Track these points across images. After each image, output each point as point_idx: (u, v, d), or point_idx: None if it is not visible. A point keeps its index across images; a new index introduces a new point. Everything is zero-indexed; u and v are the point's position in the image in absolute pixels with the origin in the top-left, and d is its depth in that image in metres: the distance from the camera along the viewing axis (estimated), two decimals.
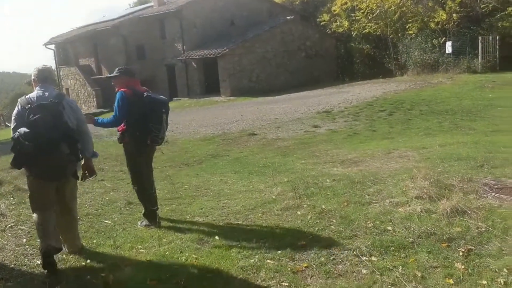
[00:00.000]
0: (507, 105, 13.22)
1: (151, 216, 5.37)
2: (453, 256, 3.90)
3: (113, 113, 5.24)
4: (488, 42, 22.35)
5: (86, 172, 4.55)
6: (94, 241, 4.97)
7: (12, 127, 4.11)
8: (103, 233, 5.24)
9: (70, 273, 4.20)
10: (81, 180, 4.56)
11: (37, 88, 4.27)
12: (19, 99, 4.18)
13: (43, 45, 34.99)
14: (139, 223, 5.46)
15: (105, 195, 7.07)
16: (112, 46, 29.87)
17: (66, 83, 33.47)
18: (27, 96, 4.17)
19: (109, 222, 5.64)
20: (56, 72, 36.10)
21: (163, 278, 3.89)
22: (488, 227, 4.35)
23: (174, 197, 6.74)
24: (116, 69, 5.44)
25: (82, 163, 4.49)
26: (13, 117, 4.12)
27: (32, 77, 4.38)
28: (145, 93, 5.23)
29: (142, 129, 5.10)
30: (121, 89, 5.24)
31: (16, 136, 3.93)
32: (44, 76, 4.34)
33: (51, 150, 4.00)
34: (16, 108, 4.12)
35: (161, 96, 5.40)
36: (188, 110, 22.11)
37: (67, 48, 34.36)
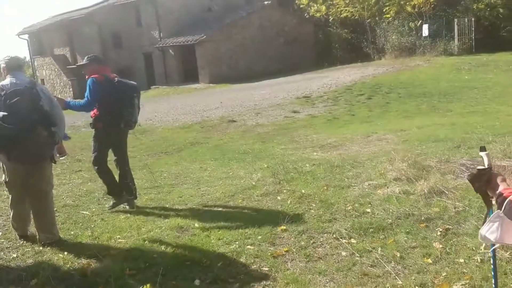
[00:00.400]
0: (483, 87, 13.41)
1: (114, 193, 5.49)
2: (431, 236, 3.94)
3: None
4: (464, 25, 22.56)
5: (57, 153, 4.65)
6: (72, 232, 4.88)
7: None
8: (80, 224, 5.16)
9: (47, 265, 4.13)
10: (53, 162, 4.59)
11: (8, 76, 4.32)
12: None
13: (16, 35, 34.20)
14: (107, 206, 5.58)
15: (83, 185, 6.97)
16: (87, 34, 29.35)
17: (41, 74, 32.80)
18: (3, 83, 4.22)
19: (87, 213, 5.55)
20: (30, 63, 35.37)
21: (142, 267, 3.84)
22: (465, 206, 4.40)
23: (153, 186, 6.67)
24: (85, 57, 5.48)
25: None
26: None
27: (2, 66, 4.42)
28: (115, 79, 5.34)
29: (115, 113, 5.19)
30: (92, 76, 5.27)
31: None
32: (14, 65, 4.40)
33: (29, 132, 4.09)
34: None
35: (131, 81, 5.54)
36: (166, 98, 21.91)
37: (41, 37, 33.62)
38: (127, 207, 5.53)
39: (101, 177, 5.61)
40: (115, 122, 5.22)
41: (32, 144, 4.17)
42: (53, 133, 4.32)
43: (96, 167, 5.55)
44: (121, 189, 5.51)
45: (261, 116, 13.06)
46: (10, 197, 4.59)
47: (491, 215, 1.97)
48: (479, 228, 3.91)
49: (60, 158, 4.85)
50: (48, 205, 4.58)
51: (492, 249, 2.39)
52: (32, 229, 4.71)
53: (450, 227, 4.04)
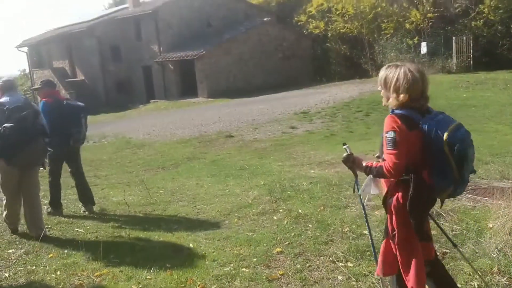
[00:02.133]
0: (481, 105, 13.43)
1: (55, 204, 6.12)
2: None
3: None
4: (462, 42, 22.69)
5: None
6: (65, 251, 4.82)
7: None
8: (74, 242, 5.08)
9: (40, 285, 4.07)
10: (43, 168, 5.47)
11: (6, 95, 5.00)
12: None
13: (15, 47, 34.23)
14: (45, 209, 6.03)
15: (78, 202, 6.89)
16: (87, 48, 29.43)
17: None
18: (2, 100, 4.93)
19: (81, 230, 5.49)
20: (29, 75, 35.41)
21: None
22: (462, 229, 4.36)
23: (148, 203, 6.62)
24: (39, 81, 6.27)
25: None
26: None
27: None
28: (64, 101, 6.09)
29: (64, 132, 5.77)
30: (43, 99, 5.92)
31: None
32: (9, 86, 5.11)
33: (31, 142, 4.87)
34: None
35: (79, 103, 6.30)
36: (165, 112, 21.91)
37: (40, 50, 33.71)
38: (86, 212, 6.21)
39: (50, 187, 6.18)
40: (65, 140, 5.80)
41: (31, 151, 4.92)
42: (46, 143, 5.07)
43: (49, 178, 6.15)
44: (60, 204, 6.19)
45: (259, 131, 13.05)
46: (5, 198, 5.21)
47: (365, 180, 3.12)
48: (477, 252, 3.90)
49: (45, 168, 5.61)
50: (38, 204, 5.28)
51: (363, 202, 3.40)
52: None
53: (448, 250, 3.99)
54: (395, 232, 2.83)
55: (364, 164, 2.96)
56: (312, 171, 7.73)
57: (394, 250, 2.87)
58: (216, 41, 26.20)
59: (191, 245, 4.67)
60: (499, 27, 22.71)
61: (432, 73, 21.71)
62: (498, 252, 3.88)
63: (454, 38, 22.76)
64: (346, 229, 4.69)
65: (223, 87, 25.59)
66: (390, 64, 2.90)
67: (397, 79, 2.73)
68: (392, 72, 2.78)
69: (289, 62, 28.40)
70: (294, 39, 28.96)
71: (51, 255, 4.69)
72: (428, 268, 2.83)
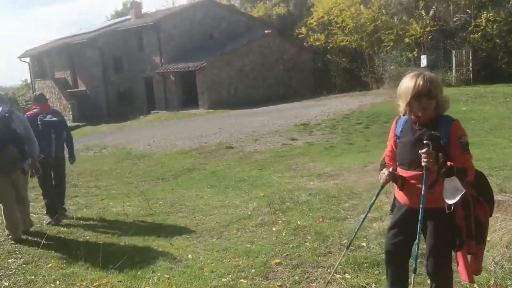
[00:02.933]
0: (480, 118, 13.47)
1: (51, 213, 6.35)
2: (425, 271, 3.90)
3: None
4: (461, 56, 22.83)
5: (33, 170, 5.66)
6: (64, 261, 4.84)
7: None
8: (73, 252, 5.10)
9: None
10: (30, 177, 5.80)
11: None
12: None
13: (17, 57, 34.43)
14: (44, 222, 6.31)
15: (78, 212, 6.93)
16: (89, 58, 29.62)
17: None
18: None
19: (81, 240, 5.51)
20: (31, 85, 35.56)
21: None
22: None
23: (148, 214, 6.64)
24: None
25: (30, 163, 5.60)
26: None
27: None
28: (42, 115, 6.31)
29: (40, 144, 5.90)
30: (27, 113, 6.36)
31: None
32: None
33: (1, 149, 5.20)
34: None
35: (54, 118, 6.45)
36: (166, 123, 21.98)
37: (42, 60, 33.90)
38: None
39: (43, 197, 6.55)
40: (41, 151, 5.99)
41: (3, 158, 5.24)
42: (23, 150, 5.39)
43: (41, 188, 6.56)
44: (57, 212, 6.36)
45: (259, 142, 13.09)
46: (2, 207, 5.55)
47: (451, 183, 2.84)
48: None
49: (36, 176, 5.86)
50: (25, 205, 5.77)
51: None
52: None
53: None
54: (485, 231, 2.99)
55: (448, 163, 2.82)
56: (312, 182, 7.75)
57: (474, 251, 2.97)
58: (218, 53, 26.37)
59: (189, 256, 4.69)
60: (498, 40, 22.87)
61: None
62: (495, 265, 3.90)
63: (453, 51, 22.91)
64: (344, 241, 4.70)
65: (224, 98, 25.71)
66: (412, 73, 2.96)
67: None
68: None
69: (290, 74, 28.57)
70: (295, 52, 29.16)
71: (51, 265, 4.72)
72: None
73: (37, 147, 5.63)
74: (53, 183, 6.61)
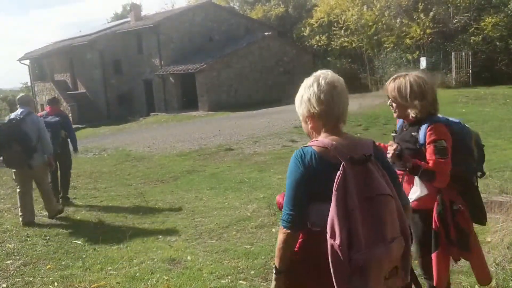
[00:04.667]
0: (479, 120, 13.46)
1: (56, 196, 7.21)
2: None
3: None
4: (461, 58, 22.85)
5: (48, 164, 6.51)
6: (63, 263, 4.82)
7: None
8: (72, 254, 5.10)
9: None
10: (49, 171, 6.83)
11: (19, 107, 6.42)
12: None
13: (17, 60, 34.42)
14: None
15: (76, 214, 6.92)
16: (89, 61, 29.62)
17: (41, 99, 32.92)
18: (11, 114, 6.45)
19: (80, 242, 5.49)
20: (31, 88, 35.57)
21: None
22: None
23: (147, 215, 6.61)
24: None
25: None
26: None
27: (17, 99, 6.64)
28: (43, 117, 7.04)
29: None
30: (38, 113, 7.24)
31: None
32: (21, 101, 6.47)
33: (5, 148, 6.11)
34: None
35: (52, 120, 7.23)
36: (165, 125, 21.96)
37: (42, 63, 33.90)
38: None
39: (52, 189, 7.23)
40: None
41: (10, 155, 6.16)
42: (28, 148, 6.14)
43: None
44: (58, 198, 7.29)
45: (259, 144, 13.06)
46: (18, 191, 6.43)
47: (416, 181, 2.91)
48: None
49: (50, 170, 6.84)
50: (44, 194, 6.56)
51: None
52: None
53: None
54: (467, 239, 2.90)
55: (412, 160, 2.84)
56: None
57: (457, 257, 3.00)
58: (217, 55, 26.36)
59: (189, 258, 4.67)
60: (498, 43, 22.89)
61: None
62: (496, 266, 3.87)
63: (453, 53, 22.92)
64: None
65: (223, 100, 25.69)
66: (397, 75, 2.97)
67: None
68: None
69: (290, 76, 28.54)
70: (294, 54, 29.15)
71: (49, 266, 4.70)
72: None
73: (48, 145, 6.39)
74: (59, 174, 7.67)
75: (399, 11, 25.63)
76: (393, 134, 3.05)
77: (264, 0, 36.47)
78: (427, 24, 24.07)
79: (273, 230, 5.33)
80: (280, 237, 2.03)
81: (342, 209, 1.83)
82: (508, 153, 9.03)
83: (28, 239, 5.62)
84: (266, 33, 28.41)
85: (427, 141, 2.81)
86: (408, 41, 24.69)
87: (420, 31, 24.14)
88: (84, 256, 4.97)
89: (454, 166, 2.82)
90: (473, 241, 2.93)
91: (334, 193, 1.84)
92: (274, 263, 2.11)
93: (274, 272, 2.10)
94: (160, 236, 5.54)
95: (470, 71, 22.74)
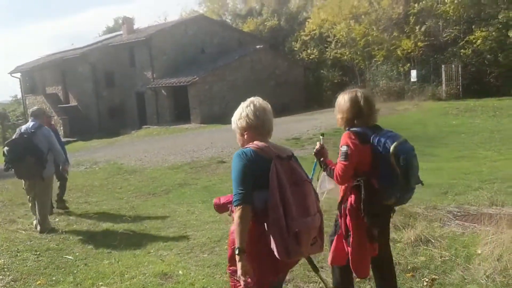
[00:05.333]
0: (470, 132, 13.59)
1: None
2: (417, 286, 3.91)
3: None
4: (451, 70, 23.09)
5: (63, 171, 7.17)
6: (54, 278, 4.78)
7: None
8: (63, 269, 5.05)
9: None
10: (66, 174, 7.63)
11: (30, 120, 6.84)
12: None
13: (8, 73, 34.32)
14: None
15: (68, 228, 6.86)
16: (81, 74, 29.59)
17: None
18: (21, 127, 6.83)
19: (70, 257, 5.45)
20: (22, 101, 35.41)
21: None
22: (451, 255, 4.38)
23: (138, 229, 6.58)
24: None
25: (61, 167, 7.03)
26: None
27: (30, 112, 7.10)
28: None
29: None
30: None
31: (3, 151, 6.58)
32: (34, 114, 6.89)
33: (19, 160, 6.45)
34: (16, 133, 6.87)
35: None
36: (157, 138, 21.92)
37: (33, 76, 33.80)
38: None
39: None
40: None
41: (23, 167, 6.48)
42: (42, 161, 6.47)
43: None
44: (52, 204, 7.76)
45: None
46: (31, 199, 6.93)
47: (321, 177, 3.76)
48: (465, 279, 3.92)
49: (66, 175, 7.71)
50: (40, 208, 6.62)
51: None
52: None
53: (437, 277, 4.01)
54: (350, 234, 3.30)
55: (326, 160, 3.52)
56: None
57: (346, 248, 3.36)
58: (210, 68, 26.45)
59: (180, 272, 4.64)
60: (488, 55, 23.16)
61: (422, 100, 22.03)
62: (486, 279, 3.90)
63: (443, 66, 23.17)
64: None
65: (216, 113, 25.71)
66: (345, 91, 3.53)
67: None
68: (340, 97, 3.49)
69: (282, 88, 28.66)
70: (286, 66, 29.33)
71: (39, 282, 4.66)
72: (373, 263, 3.41)
73: (60, 154, 6.81)
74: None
75: (389, 25, 25.90)
76: (321, 136, 3.67)
77: (256, 13, 36.74)
78: (418, 37, 24.34)
79: None
80: (236, 215, 2.52)
81: (278, 191, 2.51)
82: (498, 165, 9.11)
83: (19, 254, 5.57)
84: (258, 46, 28.59)
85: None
86: (399, 53, 24.94)
87: (411, 44, 24.40)
88: (75, 271, 4.93)
89: (368, 175, 3.18)
90: (355, 239, 3.27)
91: (271, 180, 2.52)
92: (235, 246, 2.50)
93: (237, 253, 2.51)
94: (152, 251, 5.52)
95: (460, 84, 22.98)
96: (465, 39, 23.52)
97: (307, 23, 29.83)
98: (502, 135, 12.87)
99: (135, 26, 32.60)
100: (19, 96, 36.43)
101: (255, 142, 2.73)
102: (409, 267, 4.23)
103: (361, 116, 3.28)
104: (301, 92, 29.91)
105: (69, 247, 5.88)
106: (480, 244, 4.50)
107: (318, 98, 29.04)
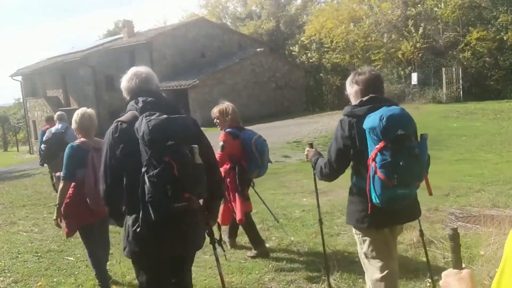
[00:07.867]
0: (471, 134, 13.58)
1: None
2: (420, 287, 3.89)
3: None
4: (451, 73, 23.11)
5: None
6: (55, 280, 4.77)
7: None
8: (64, 270, 5.04)
9: None
10: None
11: (57, 123, 8.02)
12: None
13: (9, 76, 34.32)
14: None
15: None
16: (81, 77, 29.60)
17: (33, 115, 32.83)
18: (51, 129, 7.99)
19: (72, 258, 5.44)
20: (23, 104, 35.45)
21: None
22: None
23: None
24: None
25: None
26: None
27: (55, 117, 8.29)
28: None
29: None
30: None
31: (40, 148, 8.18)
32: (59, 118, 8.09)
33: (54, 156, 7.41)
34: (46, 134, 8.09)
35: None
36: None
37: (34, 79, 33.81)
38: None
39: None
40: None
41: (57, 161, 6.76)
42: None
43: None
44: None
45: None
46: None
47: None
48: None
49: None
50: None
51: None
52: None
53: (439, 278, 3.99)
54: (231, 197, 4.86)
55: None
56: (305, 199, 7.74)
57: (230, 208, 4.90)
58: (210, 71, 26.48)
59: None
60: (488, 58, 23.19)
61: (423, 103, 22.03)
62: (490, 279, 3.88)
63: (443, 69, 23.18)
64: (338, 257, 4.68)
65: None
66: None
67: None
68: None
69: (282, 92, 28.70)
70: (286, 70, 29.35)
71: (40, 283, 4.64)
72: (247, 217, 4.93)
73: None
74: None
75: (389, 28, 25.94)
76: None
77: (256, 17, 36.80)
78: (417, 39, 24.37)
79: (267, 245, 5.31)
80: (60, 186, 4.18)
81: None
82: (499, 167, 9.10)
83: (19, 256, 5.56)
84: (258, 49, 28.61)
85: None
86: (399, 55, 24.95)
87: (411, 47, 24.42)
88: (76, 273, 4.92)
89: (239, 159, 4.81)
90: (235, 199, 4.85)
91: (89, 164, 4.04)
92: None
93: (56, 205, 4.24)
94: None
95: (461, 87, 22.99)
96: (464, 42, 23.55)
97: (306, 27, 29.86)
98: (503, 137, 12.86)
99: (135, 30, 32.64)
100: (21, 99, 36.44)
101: (82, 139, 4.30)
102: (411, 268, 4.22)
103: (233, 121, 4.94)
104: (302, 95, 29.93)
105: (70, 248, 5.86)
106: (483, 245, 4.49)
107: (318, 101, 29.08)
